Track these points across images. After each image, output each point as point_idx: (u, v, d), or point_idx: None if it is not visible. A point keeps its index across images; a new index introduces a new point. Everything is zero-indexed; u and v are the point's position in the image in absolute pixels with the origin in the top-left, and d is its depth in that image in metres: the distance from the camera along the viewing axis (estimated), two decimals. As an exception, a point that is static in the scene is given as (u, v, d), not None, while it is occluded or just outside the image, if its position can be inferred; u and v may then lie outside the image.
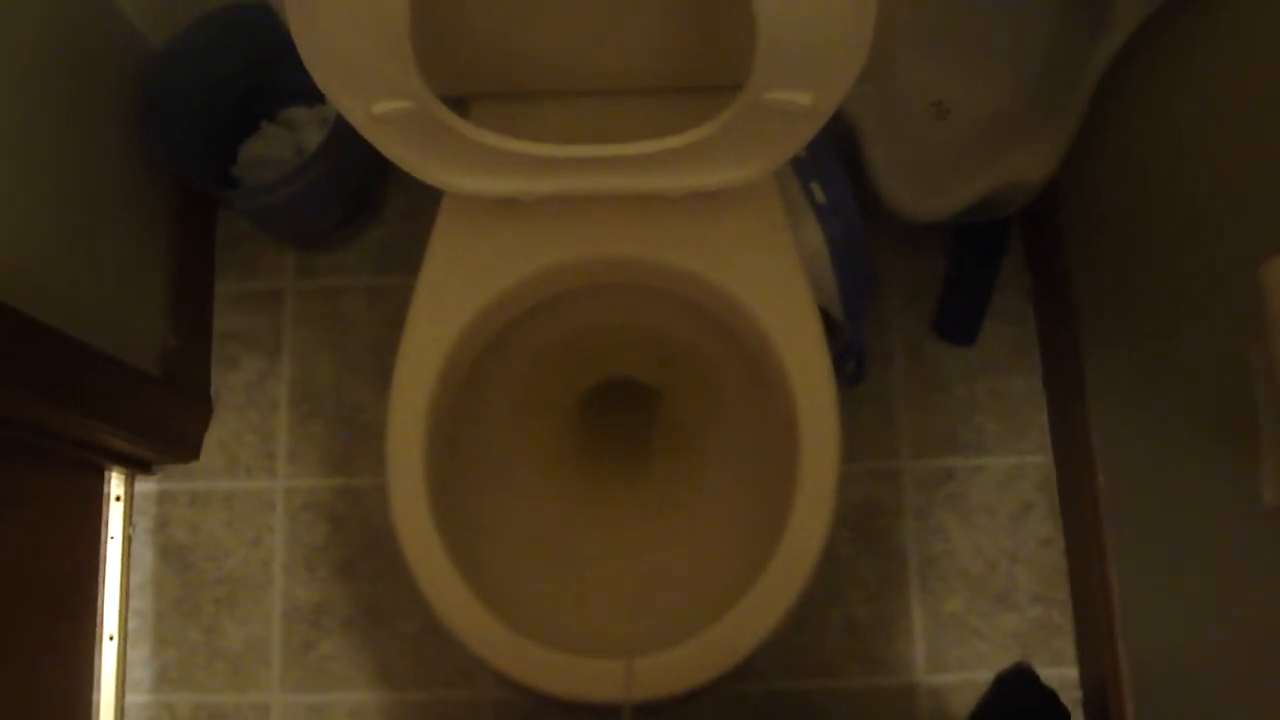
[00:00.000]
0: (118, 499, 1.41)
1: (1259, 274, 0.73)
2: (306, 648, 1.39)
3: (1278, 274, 0.72)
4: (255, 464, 1.45)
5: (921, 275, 1.48)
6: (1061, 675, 1.35)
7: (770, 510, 0.97)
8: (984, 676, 1.35)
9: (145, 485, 1.44)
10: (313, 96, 1.44)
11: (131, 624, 1.40)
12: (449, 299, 1.00)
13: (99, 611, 1.38)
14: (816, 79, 0.83)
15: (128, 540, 1.41)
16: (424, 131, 0.89)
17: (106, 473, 1.40)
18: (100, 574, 1.38)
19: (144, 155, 1.35)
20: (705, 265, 1.00)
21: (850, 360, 1.27)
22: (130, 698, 1.38)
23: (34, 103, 1.15)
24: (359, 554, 1.41)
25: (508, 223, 1.02)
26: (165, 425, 1.38)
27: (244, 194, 1.34)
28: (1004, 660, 1.35)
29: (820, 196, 1.13)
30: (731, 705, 1.36)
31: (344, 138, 1.29)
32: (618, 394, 1.20)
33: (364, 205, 1.48)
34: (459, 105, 0.94)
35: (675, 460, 1.19)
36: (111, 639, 1.38)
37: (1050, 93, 1.22)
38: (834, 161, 1.15)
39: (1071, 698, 1.33)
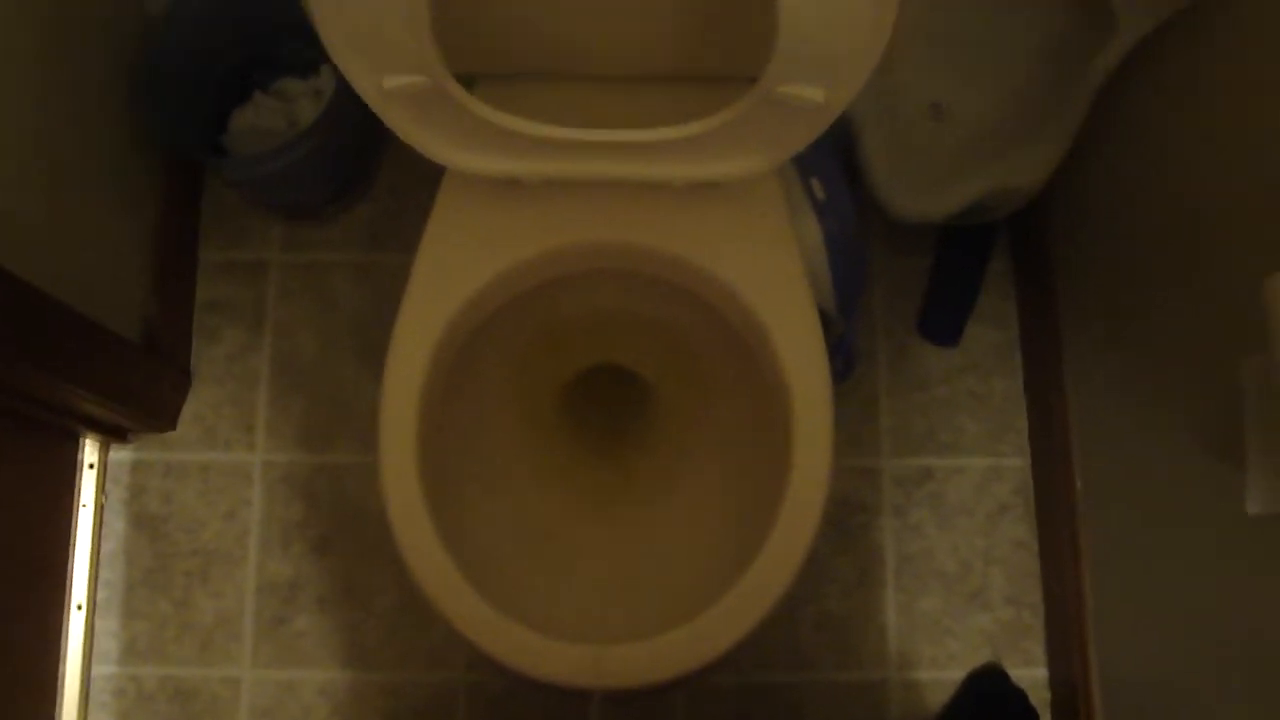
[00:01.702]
0: (91, 466, 1.39)
1: (1264, 286, 0.74)
2: (279, 623, 1.38)
3: (1283, 288, 0.73)
4: (233, 437, 1.43)
5: (908, 274, 1.49)
6: (1032, 676, 1.36)
7: (757, 506, 0.98)
8: (955, 675, 1.36)
9: (120, 454, 1.42)
10: (307, 68, 1.43)
11: (101, 594, 1.38)
12: (447, 277, 1.00)
13: (68, 580, 1.36)
14: (831, 76, 0.83)
15: (100, 508, 1.39)
16: (433, 107, 0.88)
17: (81, 439, 1.38)
18: (71, 542, 1.36)
19: (133, 120, 1.33)
20: (705, 256, 1.00)
21: (840, 357, 1.28)
22: (97, 669, 1.37)
23: (23, 64, 1.13)
24: (335, 531, 1.40)
25: (509, 204, 1.02)
26: (143, 393, 1.36)
27: (236, 164, 1.32)
28: (975, 659, 1.37)
29: (820, 193, 1.13)
30: (704, 696, 1.36)
31: (340, 113, 1.28)
32: (609, 381, 1.20)
33: (355, 182, 1.47)
34: (465, 83, 0.93)
35: (664, 450, 1.19)
36: (80, 608, 1.36)
37: (1048, 100, 1.23)
38: (834, 159, 1.15)
39: (1041, 699, 1.35)
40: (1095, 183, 1.27)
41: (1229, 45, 1.00)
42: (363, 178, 1.48)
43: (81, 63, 1.23)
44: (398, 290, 1.00)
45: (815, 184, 1.13)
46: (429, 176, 1.02)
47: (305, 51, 1.37)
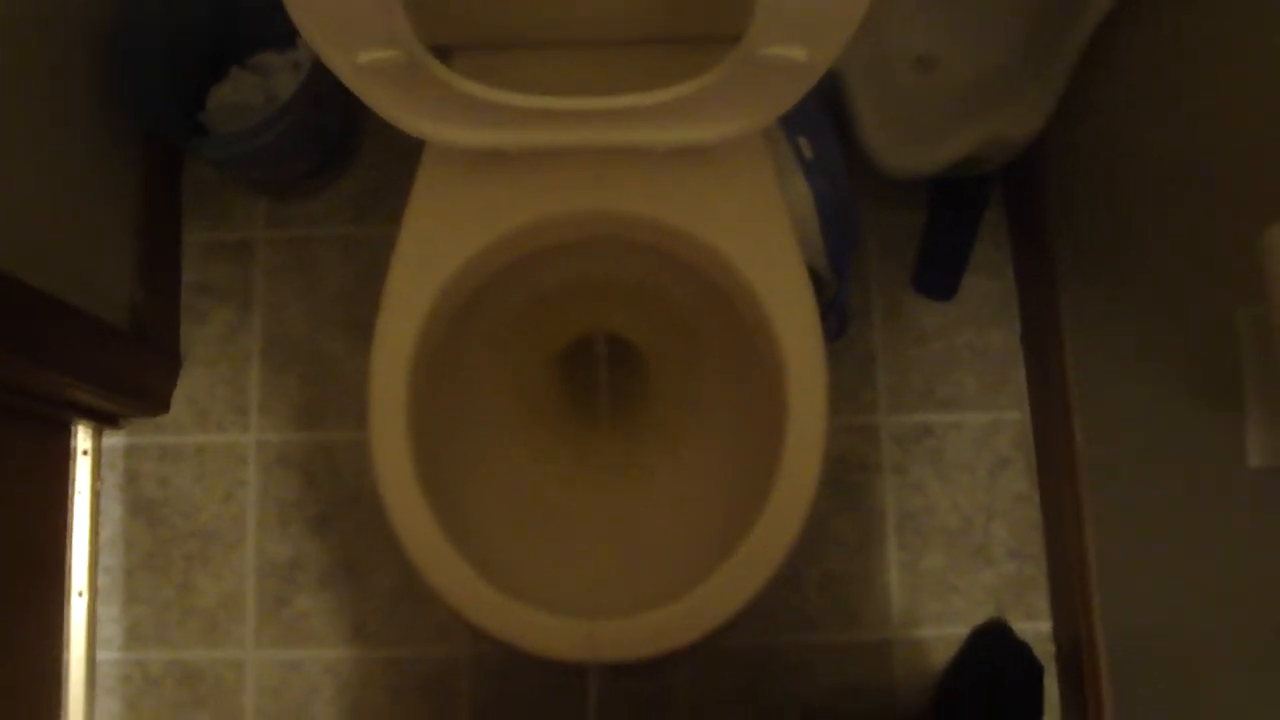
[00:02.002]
0: (85, 453, 1.38)
1: (1262, 239, 0.73)
2: (280, 604, 1.38)
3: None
4: (226, 418, 1.42)
5: (901, 229, 1.47)
6: (1036, 630, 1.36)
7: (754, 471, 0.97)
8: (960, 631, 1.36)
9: (113, 439, 1.41)
10: (284, 41, 1.40)
11: (101, 580, 1.38)
12: (432, 252, 0.98)
13: (67, 568, 1.35)
14: (813, 34, 0.81)
15: (96, 495, 1.39)
16: (409, 81, 0.86)
17: (73, 427, 1.37)
18: (68, 530, 1.36)
19: (109, 102, 1.31)
20: (693, 220, 0.99)
21: (833, 316, 1.26)
22: (101, 655, 1.37)
23: (-5, 46, 1.11)
24: (333, 509, 1.40)
25: (492, 175, 1.00)
26: (134, 379, 1.35)
27: (214, 143, 1.30)
28: (979, 615, 1.37)
29: (808, 152, 1.11)
30: (708, 659, 1.36)
31: (318, 87, 1.26)
32: (601, 350, 1.19)
33: (337, 155, 1.45)
34: (442, 55, 0.91)
35: (659, 417, 1.18)
36: (81, 595, 1.35)
37: (1038, 49, 1.21)
38: (822, 117, 1.13)
39: (1045, 652, 1.35)
40: (1088, 131, 1.25)
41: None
42: (345, 150, 1.46)
43: (52, 45, 1.21)
44: (385, 263, 0.99)
45: (803, 143, 1.11)
46: (412, 147, 1.00)
47: (282, 24, 1.34)
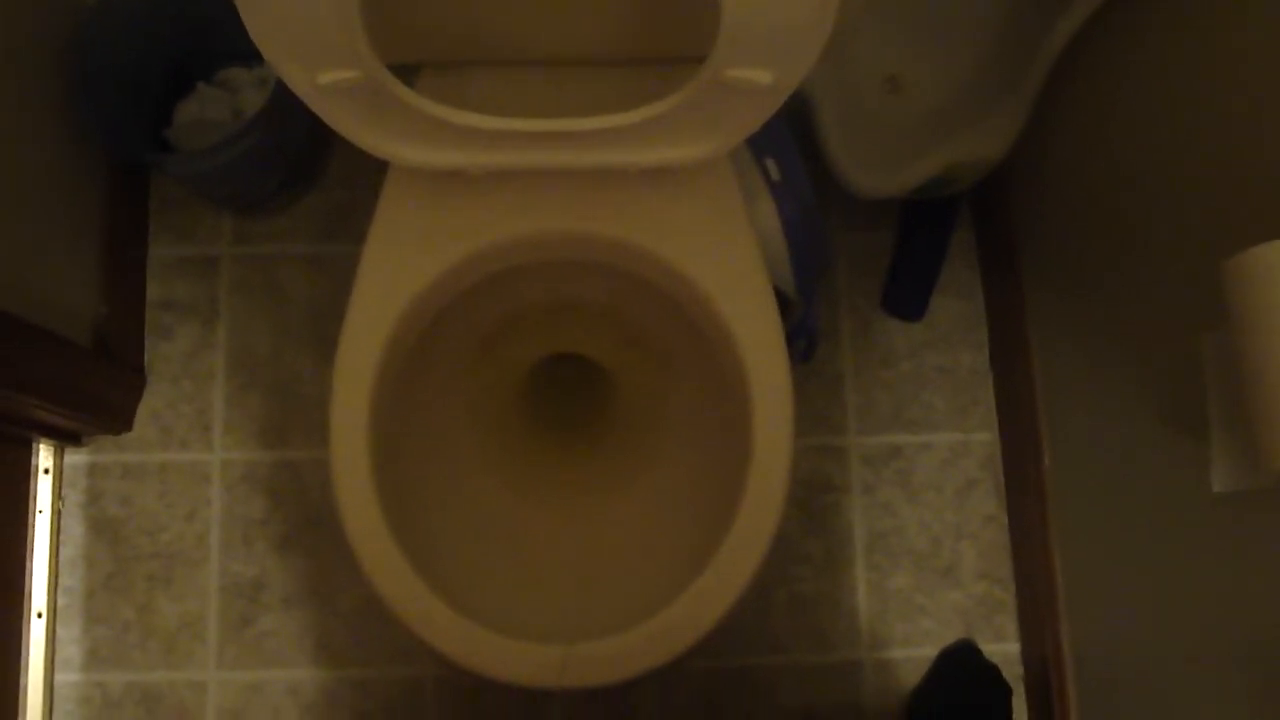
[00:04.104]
0: (46, 472, 1.36)
1: (1223, 267, 0.73)
2: (243, 624, 1.36)
3: (1242, 268, 0.71)
4: (190, 436, 1.40)
5: (870, 249, 1.47)
6: (1004, 651, 1.36)
7: (720, 493, 0.96)
8: (928, 652, 1.36)
9: (75, 457, 1.39)
10: (251, 57, 1.39)
11: (61, 601, 1.36)
12: (395, 272, 0.97)
13: (26, 588, 1.33)
14: (778, 57, 0.81)
15: (57, 514, 1.37)
16: (371, 102, 0.86)
17: (34, 445, 1.35)
18: (28, 549, 1.34)
19: (73, 116, 1.29)
20: (658, 242, 0.98)
21: (801, 338, 1.26)
22: (60, 677, 1.35)
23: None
24: (298, 528, 1.38)
25: (456, 195, 0.99)
26: (96, 396, 1.33)
27: (178, 160, 1.29)
28: (948, 636, 1.36)
29: (775, 174, 1.11)
30: (675, 681, 1.35)
31: (284, 103, 1.25)
32: (567, 371, 1.19)
33: (304, 172, 1.44)
34: (407, 73, 0.91)
35: (625, 440, 1.17)
36: (40, 616, 1.33)
37: (1006, 71, 1.21)
38: (789, 139, 1.13)
39: (1014, 673, 1.35)
40: (1056, 153, 1.26)
41: (1183, 16, 0.98)
42: (312, 167, 1.45)
43: (14, 59, 1.19)
44: (352, 281, 0.97)
45: (770, 165, 1.11)
46: (380, 165, 0.99)
47: (249, 40, 1.34)
